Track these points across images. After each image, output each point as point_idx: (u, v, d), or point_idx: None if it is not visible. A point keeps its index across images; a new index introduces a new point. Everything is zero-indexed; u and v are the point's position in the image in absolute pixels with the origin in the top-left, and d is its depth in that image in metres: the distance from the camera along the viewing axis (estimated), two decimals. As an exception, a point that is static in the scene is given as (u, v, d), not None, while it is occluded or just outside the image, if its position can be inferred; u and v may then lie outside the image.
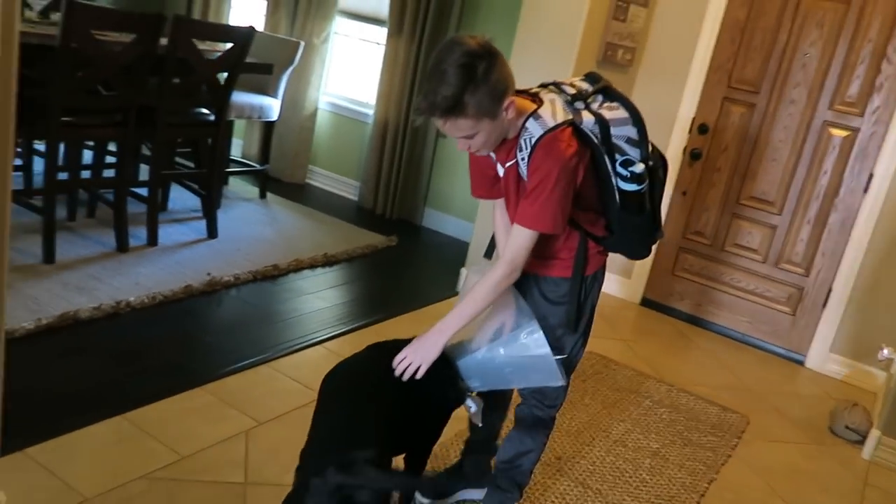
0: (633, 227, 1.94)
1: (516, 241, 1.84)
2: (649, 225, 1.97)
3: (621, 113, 1.83)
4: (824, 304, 4.00)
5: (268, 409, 2.65)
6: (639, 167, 1.81)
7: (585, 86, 1.86)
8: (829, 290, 3.98)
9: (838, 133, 3.90)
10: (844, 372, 3.95)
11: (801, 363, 4.08)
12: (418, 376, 1.87)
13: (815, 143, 3.96)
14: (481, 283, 1.87)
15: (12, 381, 2.25)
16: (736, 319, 4.26)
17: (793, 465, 3.03)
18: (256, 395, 2.72)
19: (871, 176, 3.82)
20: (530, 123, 1.77)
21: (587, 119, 1.79)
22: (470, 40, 1.66)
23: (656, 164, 1.90)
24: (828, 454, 3.17)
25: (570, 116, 1.78)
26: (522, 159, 1.80)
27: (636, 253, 2.10)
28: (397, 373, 1.88)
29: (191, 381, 2.71)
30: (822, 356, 4.01)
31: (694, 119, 4.19)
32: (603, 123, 1.80)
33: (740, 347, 4.17)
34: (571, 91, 1.84)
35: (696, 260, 4.34)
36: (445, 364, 2.00)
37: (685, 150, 4.22)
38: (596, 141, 1.80)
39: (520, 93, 1.83)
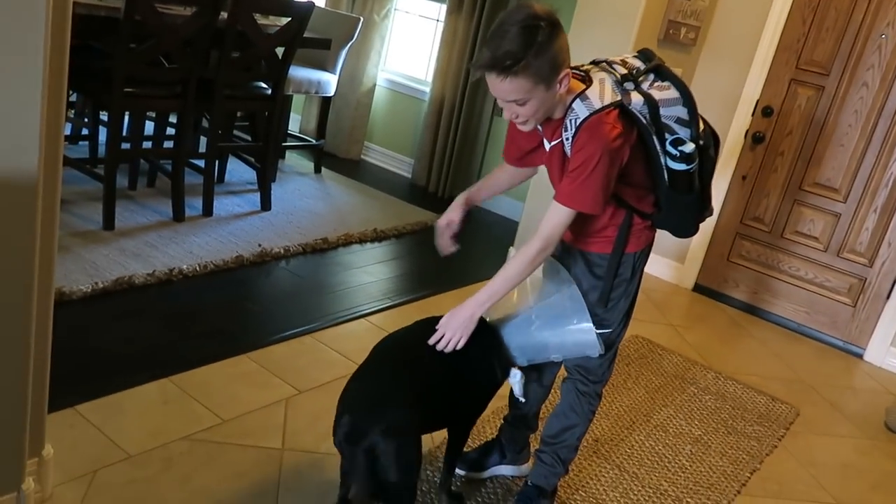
0: (682, 205, 1.92)
1: (553, 218, 1.83)
2: (698, 203, 1.95)
3: (672, 93, 1.81)
4: (888, 297, 3.84)
5: (309, 379, 2.69)
6: (689, 147, 1.79)
7: (638, 63, 1.84)
8: (894, 282, 3.82)
9: (912, 118, 3.72)
10: (907, 368, 3.79)
11: (859, 356, 3.93)
12: (457, 347, 1.90)
13: (887, 129, 3.78)
14: (516, 257, 1.88)
15: (66, 340, 2.35)
16: (793, 309, 4.13)
17: (843, 460, 2.94)
18: (299, 365, 2.77)
19: (944, 164, 3.64)
20: (577, 104, 1.76)
21: (636, 100, 1.78)
22: (536, 6, 1.65)
23: (707, 142, 1.88)
24: (881, 451, 3.06)
25: (619, 97, 1.77)
26: (567, 139, 1.80)
27: (684, 230, 2.06)
28: (438, 347, 1.90)
29: (236, 347, 2.78)
30: (882, 350, 3.86)
31: (758, 101, 4.05)
32: (652, 104, 1.78)
33: (796, 338, 4.04)
34: (622, 70, 1.81)
35: (754, 247, 4.21)
36: (492, 336, 2.03)
37: (747, 132, 4.09)
38: (644, 121, 1.78)
39: (571, 70, 1.80)
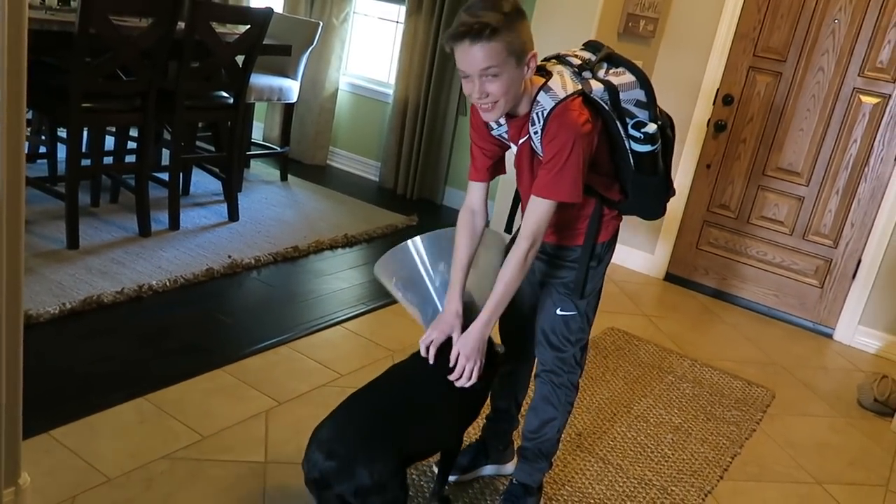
0: (650, 187, 1.95)
1: (535, 213, 1.84)
2: (662, 185, 1.99)
3: (628, 77, 1.84)
4: (853, 276, 3.92)
5: (288, 389, 2.67)
6: (651, 127, 1.82)
7: (588, 55, 1.87)
8: (859, 262, 3.90)
9: (869, 100, 3.80)
10: (875, 345, 3.87)
11: (829, 336, 4.01)
12: (475, 377, 1.91)
13: (844, 112, 3.86)
14: (508, 264, 1.89)
15: (37, 364, 2.30)
16: (762, 293, 4.19)
17: (819, 439, 2.99)
18: (276, 376, 2.74)
19: (902, 144, 3.73)
20: (541, 97, 1.77)
21: (596, 87, 1.80)
22: None
23: (664, 122, 1.92)
24: (856, 427, 3.12)
25: (580, 86, 1.79)
26: (535, 133, 1.81)
27: (652, 213, 2.10)
28: (460, 383, 1.91)
29: (212, 362, 2.74)
30: (850, 329, 3.94)
31: (718, 90, 4.10)
32: (612, 90, 1.81)
33: (767, 321, 4.10)
34: (576, 62, 1.84)
35: (721, 233, 4.27)
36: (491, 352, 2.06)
37: (709, 121, 4.14)
38: (606, 108, 1.80)
39: None
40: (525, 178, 1.94)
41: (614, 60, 1.85)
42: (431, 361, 1.94)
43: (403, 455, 1.83)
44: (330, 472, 1.73)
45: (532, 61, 1.73)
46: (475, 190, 2.04)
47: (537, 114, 1.78)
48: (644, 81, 1.84)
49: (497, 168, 2.03)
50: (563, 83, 1.77)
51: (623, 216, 2.07)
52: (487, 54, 1.67)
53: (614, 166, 1.93)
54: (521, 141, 1.87)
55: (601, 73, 1.82)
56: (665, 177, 1.97)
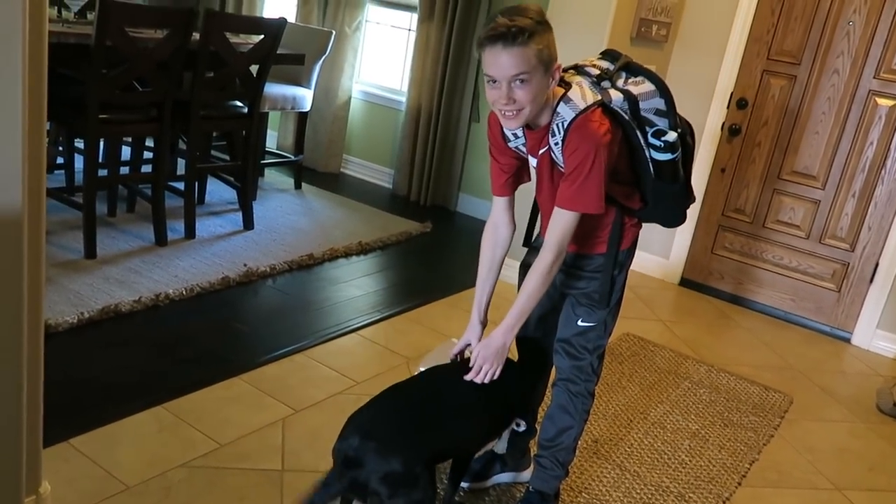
0: (670, 195, 1.95)
1: (559, 225, 1.85)
2: (683, 192, 1.98)
3: (647, 86, 1.84)
4: (871, 280, 3.89)
5: (304, 397, 2.68)
6: (671, 136, 1.82)
7: (606, 64, 1.88)
8: (876, 265, 3.87)
9: (885, 102, 3.77)
10: (894, 349, 3.83)
11: (847, 341, 3.97)
12: (494, 377, 1.93)
13: (860, 114, 3.83)
14: (532, 274, 1.89)
15: (56, 373, 2.32)
16: (779, 297, 4.17)
17: (838, 444, 2.96)
18: (293, 384, 2.75)
19: (919, 146, 3.70)
20: (561, 108, 1.78)
21: (615, 97, 1.81)
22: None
23: (684, 130, 1.91)
24: (875, 432, 3.09)
25: (599, 97, 1.79)
26: (556, 144, 1.81)
27: (674, 220, 2.10)
28: (478, 380, 1.92)
29: (228, 370, 2.76)
30: (868, 333, 3.91)
31: (732, 94, 4.09)
32: (632, 99, 1.82)
33: (783, 326, 4.08)
34: (595, 72, 1.85)
35: (737, 238, 4.25)
36: (516, 368, 2.11)
37: (723, 125, 4.13)
38: (626, 117, 1.81)
39: None
40: (545, 189, 1.95)
41: (633, 69, 1.86)
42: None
43: (435, 452, 1.84)
44: (365, 452, 1.72)
45: (557, 72, 1.75)
46: (497, 205, 2.06)
47: (557, 125, 1.78)
48: (663, 90, 1.84)
49: (518, 180, 2.03)
50: (582, 94, 1.78)
51: (643, 223, 2.06)
52: (519, 60, 1.67)
53: (634, 175, 1.93)
54: (540, 152, 1.87)
55: (620, 83, 1.83)
56: (685, 184, 1.96)
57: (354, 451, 1.73)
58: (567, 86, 1.81)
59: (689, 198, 2.04)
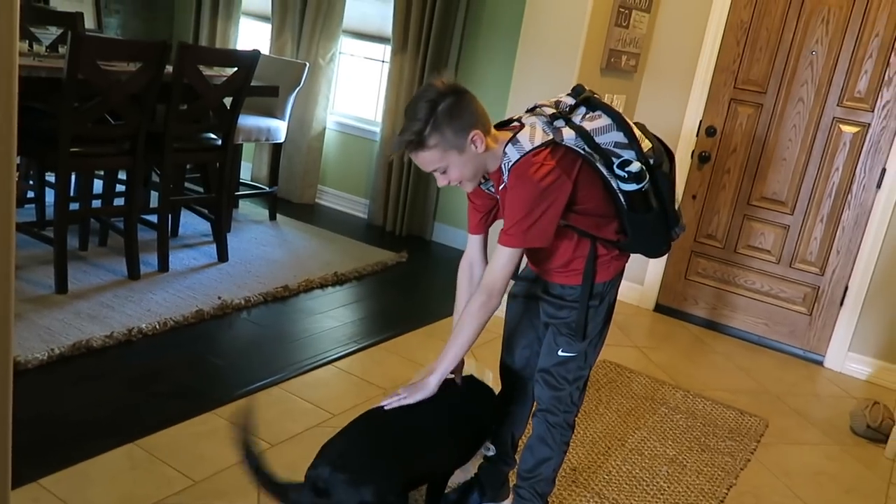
0: (646, 224, 1.96)
1: (494, 262, 1.89)
2: (662, 221, 1.99)
3: (603, 121, 1.87)
4: (841, 303, 3.95)
5: (280, 431, 2.64)
6: (635, 166, 1.83)
7: (570, 101, 1.90)
8: (846, 289, 3.93)
9: (848, 129, 3.86)
10: (866, 371, 3.89)
11: (819, 363, 4.02)
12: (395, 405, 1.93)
13: (825, 141, 3.92)
14: (463, 316, 1.93)
15: (26, 411, 2.27)
16: (752, 322, 4.21)
17: (814, 467, 2.98)
18: (269, 417, 2.72)
19: (883, 171, 3.78)
20: (509, 149, 1.84)
21: (568, 135, 1.84)
22: (438, 82, 1.80)
23: (659, 159, 1.92)
24: (850, 455, 3.12)
25: (550, 136, 1.83)
26: (506, 181, 1.87)
27: (654, 250, 2.10)
28: (387, 406, 1.93)
29: (203, 405, 2.72)
30: (840, 356, 3.96)
31: (701, 122, 4.17)
32: (584, 135, 1.85)
33: (757, 350, 4.12)
34: (550, 111, 1.89)
35: (709, 263, 4.30)
36: (485, 393, 2.14)
37: (693, 153, 4.20)
38: (583, 152, 1.84)
39: (504, 123, 1.94)
40: None
41: (591, 104, 1.88)
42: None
43: (408, 479, 1.83)
44: (335, 483, 1.71)
45: (476, 138, 1.80)
46: (471, 243, 2.11)
47: (504, 164, 1.85)
48: (620, 123, 1.86)
49: (493, 218, 2.07)
50: (531, 135, 1.83)
51: (628, 255, 2.07)
52: (425, 161, 1.82)
53: (611, 206, 1.94)
54: (500, 188, 1.92)
55: (577, 119, 1.87)
56: (662, 213, 1.96)
57: (324, 482, 1.72)
58: (521, 127, 1.87)
59: (675, 227, 2.03)
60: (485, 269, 2.07)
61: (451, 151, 1.79)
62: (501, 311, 2.14)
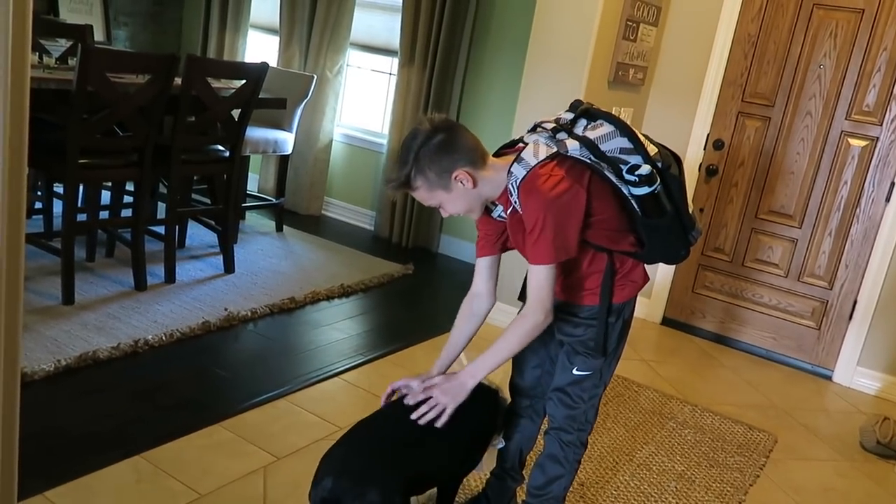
0: (662, 230, 1.93)
1: (534, 281, 1.87)
2: (677, 224, 1.96)
3: (605, 128, 1.86)
4: (850, 317, 3.93)
5: (287, 444, 2.63)
6: (644, 169, 1.82)
7: (569, 115, 1.91)
8: (855, 302, 3.91)
9: (857, 143, 3.85)
10: (875, 386, 3.86)
11: (828, 378, 3.99)
12: (443, 420, 1.90)
13: (833, 154, 3.91)
14: (514, 327, 1.90)
15: (32, 422, 2.26)
16: (760, 336, 4.19)
17: (824, 484, 2.95)
18: (275, 430, 2.71)
19: (892, 185, 3.77)
20: (515, 168, 1.84)
21: (572, 146, 1.84)
22: (426, 122, 1.83)
23: (667, 162, 1.90)
24: (860, 471, 3.09)
25: (554, 149, 1.83)
26: (516, 202, 1.86)
27: (674, 256, 2.06)
28: (425, 418, 1.90)
29: (209, 417, 2.71)
30: (849, 370, 3.93)
31: (709, 135, 4.16)
32: (589, 144, 1.84)
33: (766, 364, 4.09)
34: (550, 126, 1.89)
35: (717, 277, 4.28)
36: (491, 397, 2.11)
37: (700, 166, 4.19)
38: (589, 161, 1.83)
39: (510, 144, 1.96)
40: (520, 245, 1.96)
41: (591, 115, 1.88)
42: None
43: (411, 481, 1.82)
44: (340, 489, 1.71)
45: (460, 177, 1.81)
46: (478, 270, 2.09)
47: (511, 184, 1.85)
48: (623, 129, 1.85)
49: (502, 245, 2.06)
50: (535, 151, 1.84)
51: (645, 265, 2.04)
52: (419, 198, 1.89)
53: (627, 217, 1.93)
54: (509, 211, 1.91)
55: (579, 130, 1.86)
56: (676, 216, 1.93)
57: (330, 492, 1.71)
58: (524, 146, 1.88)
59: (692, 231, 2.00)
60: (488, 306, 2.09)
61: (438, 191, 1.84)
62: (502, 321, 2.13)
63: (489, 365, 1.92)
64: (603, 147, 1.84)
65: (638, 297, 2.08)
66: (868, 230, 3.86)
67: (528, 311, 1.87)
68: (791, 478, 2.95)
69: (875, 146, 3.81)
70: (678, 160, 1.97)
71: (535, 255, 1.83)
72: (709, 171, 4.18)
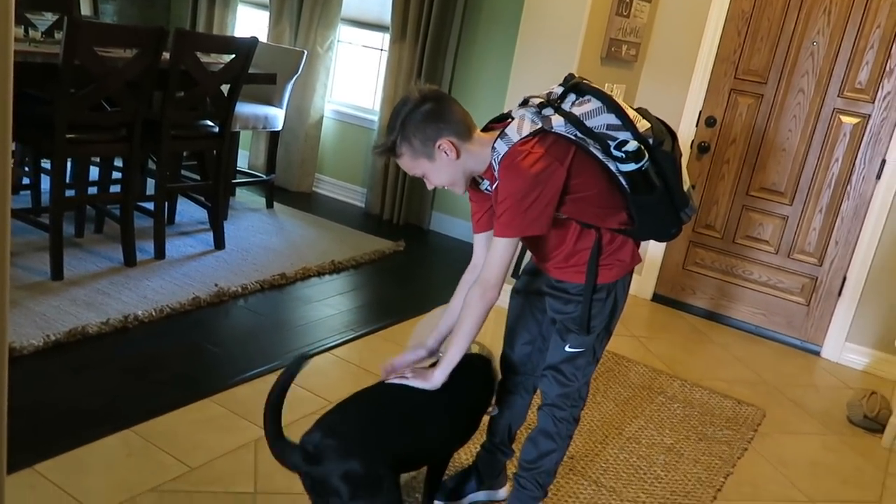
0: (651, 206, 1.92)
1: (490, 255, 1.88)
2: (667, 202, 1.94)
3: (592, 104, 1.84)
4: (839, 294, 3.95)
5: (277, 418, 2.63)
6: (632, 145, 1.81)
7: (559, 90, 1.89)
8: (844, 279, 3.93)
9: (849, 120, 3.85)
10: (863, 362, 3.89)
11: (817, 354, 4.02)
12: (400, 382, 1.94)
13: (825, 132, 3.91)
14: (463, 309, 1.92)
15: (21, 397, 2.26)
16: (750, 312, 4.21)
17: (811, 457, 2.98)
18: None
19: (883, 162, 3.77)
20: (498, 144, 1.84)
21: (557, 122, 1.83)
22: (415, 92, 1.85)
23: (660, 138, 1.88)
24: (847, 445, 3.12)
25: (539, 125, 1.82)
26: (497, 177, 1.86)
27: (663, 234, 2.06)
28: (388, 380, 1.96)
29: (199, 392, 2.71)
30: (838, 346, 3.96)
31: (701, 112, 4.15)
32: (575, 121, 1.82)
33: (755, 340, 4.11)
34: (538, 101, 1.88)
35: (708, 254, 4.29)
36: (485, 368, 2.13)
37: (692, 143, 4.18)
38: (575, 137, 1.82)
39: (500, 119, 1.95)
40: None
41: (580, 90, 1.86)
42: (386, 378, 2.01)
43: (398, 457, 1.82)
44: (325, 448, 1.72)
45: (443, 146, 1.82)
46: (477, 243, 2.09)
47: (494, 159, 1.85)
48: (610, 104, 1.83)
49: (493, 216, 2.03)
50: (519, 127, 1.83)
51: (638, 243, 2.03)
52: (404, 167, 1.90)
53: (618, 194, 1.91)
54: (494, 186, 1.90)
55: (567, 106, 1.84)
56: (666, 193, 1.91)
57: (314, 446, 1.72)
58: (510, 121, 1.87)
59: (685, 208, 1.97)
60: None
61: (422, 159, 1.85)
62: (504, 302, 2.12)
63: (455, 356, 1.92)
64: (589, 123, 1.82)
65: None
66: (858, 207, 3.87)
67: (475, 284, 1.89)
68: (779, 451, 2.98)
69: (867, 123, 3.81)
70: (673, 136, 1.95)
71: (499, 227, 1.85)
72: (701, 149, 4.18)
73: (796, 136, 3.97)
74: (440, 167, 1.87)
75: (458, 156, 1.85)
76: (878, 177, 3.79)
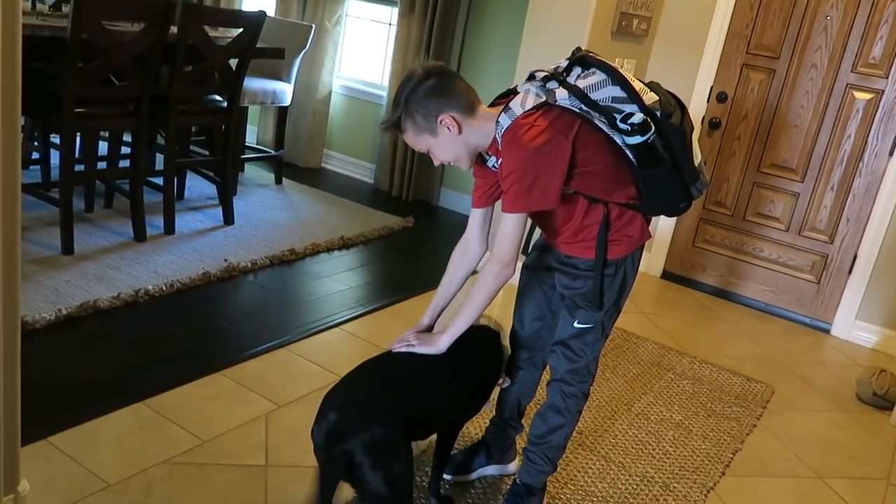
0: (658, 180, 1.89)
1: (500, 232, 1.87)
2: (675, 175, 1.90)
3: (597, 77, 1.81)
4: (850, 271, 3.93)
5: (287, 392, 2.65)
6: (638, 117, 1.79)
7: (564, 63, 1.86)
8: (855, 257, 3.91)
9: (862, 96, 3.81)
10: (873, 340, 3.88)
11: (826, 331, 4.01)
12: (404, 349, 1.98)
13: (838, 108, 3.86)
14: (478, 283, 1.93)
15: (34, 371, 2.28)
16: (760, 290, 4.20)
17: (820, 434, 2.99)
18: (275, 379, 2.73)
19: (896, 138, 3.74)
20: (502, 118, 1.83)
21: (561, 95, 1.80)
22: (419, 68, 1.86)
23: (668, 111, 1.84)
24: (855, 422, 3.12)
25: (543, 98, 1.80)
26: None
27: (672, 209, 2.03)
28: (394, 349, 1.99)
29: (210, 366, 2.73)
30: (848, 324, 3.95)
31: (712, 87, 4.11)
32: (579, 94, 1.80)
33: (765, 318, 4.11)
34: (542, 74, 1.85)
35: (718, 231, 4.27)
36: (494, 340, 2.14)
37: (703, 119, 4.15)
38: (579, 110, 1.79)
39: (502, 96, 1.93)
40: None
41: (585, 63, 1.83)
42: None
43: (412, 422, 1.83)
44: (344, 423, 1.72)
45: (445, 121, 1.82)
46: (472, 218, 2.10)
47: (498, 133, 1.84)
48: (616, 77, 1.80)
49: (496, 193, 2.03)
50: (522, 101, 1.81)
51: (648, 218, 2.01)
52: (409, 142, 1.91)
53: (626, 167, 1.88)
54: (499, 161, 1.88)
55: (572, 79, 1.82)
56: (673, 167, 1.87)
57: (334, 425, 1.72)
58: (515, 95, 1.86)
59: (696, 182, 1.93)
60: (480, 251, 2.09)
61: (425, 135, 1.85)
62: (515, 279, 2.12)
63: (462, 325, 1.95)
64: (594, 96, 1.80)
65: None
66: (870, 184, 3.84)
67: (490, 262, 1.90)
68: (787, 428, 2.98)
69: (880, 99, 3.76)
70: (683, 108, 1.92)
71: (505, 203, 1.84)
72: (712, 125, 4.14)
73: (808, 112, 3.93)
74: (443, 142, 1.87)
75: (460, 131, 1.84)
76: (891, 154, 3.75)
